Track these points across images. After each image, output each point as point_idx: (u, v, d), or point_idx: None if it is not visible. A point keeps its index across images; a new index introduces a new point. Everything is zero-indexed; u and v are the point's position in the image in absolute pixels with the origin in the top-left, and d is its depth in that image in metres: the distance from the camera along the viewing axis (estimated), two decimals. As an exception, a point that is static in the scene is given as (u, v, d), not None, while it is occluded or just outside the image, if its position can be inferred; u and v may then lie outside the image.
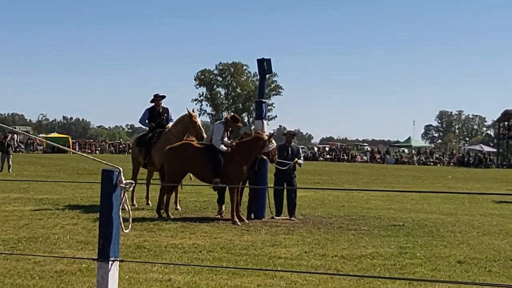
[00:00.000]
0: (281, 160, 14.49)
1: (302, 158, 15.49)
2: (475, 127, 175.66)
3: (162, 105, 16.80)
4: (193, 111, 15.87)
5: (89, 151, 78.77)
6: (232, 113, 16.96)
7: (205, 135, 15.01)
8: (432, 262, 9.43)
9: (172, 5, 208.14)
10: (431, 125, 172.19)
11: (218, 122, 14.65)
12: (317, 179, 32.12)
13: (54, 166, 37.76)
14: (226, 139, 13.96)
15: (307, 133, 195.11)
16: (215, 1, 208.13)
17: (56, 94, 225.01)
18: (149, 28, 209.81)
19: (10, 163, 31.40)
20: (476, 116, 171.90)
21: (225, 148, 13.84)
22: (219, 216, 14.28)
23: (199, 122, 15.45)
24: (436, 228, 13.13)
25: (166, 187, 14.00)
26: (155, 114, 16.61)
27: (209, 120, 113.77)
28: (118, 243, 4.71)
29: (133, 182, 4.87)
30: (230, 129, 14.32)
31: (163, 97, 16.87)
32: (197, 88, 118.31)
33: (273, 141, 14.02)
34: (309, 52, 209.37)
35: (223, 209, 14.54)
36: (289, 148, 14.93)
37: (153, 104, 16.76)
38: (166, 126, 16.38)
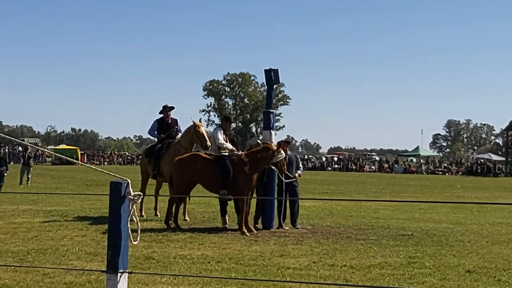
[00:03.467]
0: (288, 173, 14.53)
1: (301, 168, 15.51)
2: (483, 136, 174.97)
3: (171, 116, 16.86)
4: (199, 121, 15.88)
5: (98, 162, 78.96)
6: (223, 115, 17.18)
7: (209, 144, 15.05)
8: (441, 271, 9.40)
9: (180, 16, 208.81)
10: (439, 134, 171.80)
11: (215, 127, 14.74)
12: (325, 189, 32.11)
13: (62, 178, 37.89)
14: (228, 143, 14.12)
15: (315, 143, 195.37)
16: (222, 11, 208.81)
17: (64, 106, 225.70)
18: (157, 39, 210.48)
19: (30, 175, 31.55)
20: (484, 125, 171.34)
21: (230, 146, 13.96)
22: (225, 226, 14.30)
23: (202, 131, 15.39)
24: (445, 238, 13.10)
25: (174, 198, 14.02)
26: (164, 125, 16.66)
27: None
28: (127, 255, 4.72)
29: (142, 194, 4.88)
30: (226, 131, 14.49)
31: (172, 108, 16.91)
32: (205, 98, 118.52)
33: (282, 151, 14.02)
34: (316, 62, 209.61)
35: (227, 219, 14.55)
36: (286, 158, 14.80)
37: (162, 115, 16.82)
38: (176, 137, 16.42)
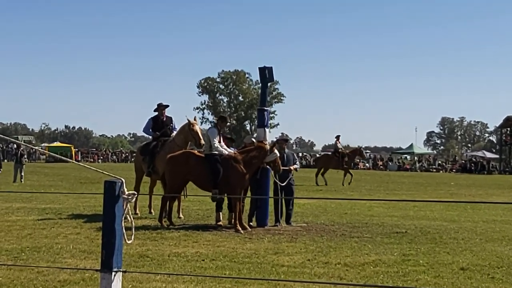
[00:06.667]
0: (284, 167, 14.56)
1: (298, 163, 15.67)
2: (477, 133, 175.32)
3: (165, 114, 16.87)
4: (194, 119, 15.90)
5: (92, 160, 78.88)
6: (219, 115, 17.11)
7: (203, 142, 15.07)
8: (435, 269, 9.42)
9: (175, 14, 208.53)
10: (433, 131, 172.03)
11: (210, 127, 14.68)
12: (320, 186, 32.11)
13: (56, 176, 37.80)
14: (222, 143, 14.10)
15: (309, 140, 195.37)
16: (217, 9, 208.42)
17: (58, 103, 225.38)
18: (152, 37, 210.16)
19: (23, 173, 31.33)
20: (478, 122, 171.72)
21: (224, 151, 13.94)
22: (219, 223, 14.28)
23: (196, 129, 15.42)
24: (439, 235, 13.12)
25: (167, 196, 14.00)
26: (159, 123, 16.68)
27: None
28: (121, 254, 4.71)
29: (136, 193, 4.87)
30: (221, 131, 14.46)
31: (167, 106, 16.92)
32: (200, 96, 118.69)
33: (276, 150, 14.01)
34: (310, 60, 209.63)
35: (221, 217, 14.54)
36: (284, 156, 14.86)
37: (156, 113, 16.83)
38: (171, 135, 16.44)
